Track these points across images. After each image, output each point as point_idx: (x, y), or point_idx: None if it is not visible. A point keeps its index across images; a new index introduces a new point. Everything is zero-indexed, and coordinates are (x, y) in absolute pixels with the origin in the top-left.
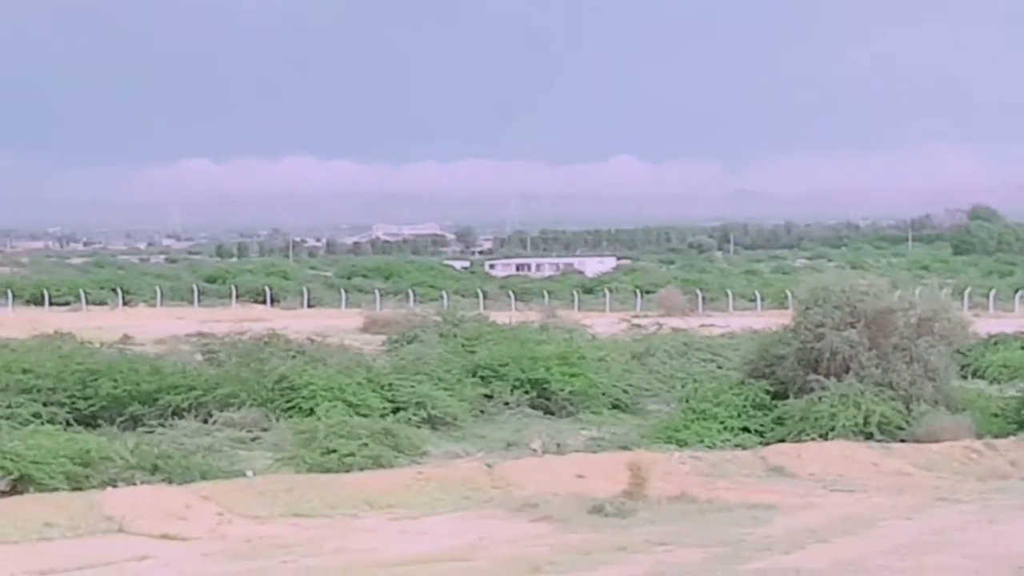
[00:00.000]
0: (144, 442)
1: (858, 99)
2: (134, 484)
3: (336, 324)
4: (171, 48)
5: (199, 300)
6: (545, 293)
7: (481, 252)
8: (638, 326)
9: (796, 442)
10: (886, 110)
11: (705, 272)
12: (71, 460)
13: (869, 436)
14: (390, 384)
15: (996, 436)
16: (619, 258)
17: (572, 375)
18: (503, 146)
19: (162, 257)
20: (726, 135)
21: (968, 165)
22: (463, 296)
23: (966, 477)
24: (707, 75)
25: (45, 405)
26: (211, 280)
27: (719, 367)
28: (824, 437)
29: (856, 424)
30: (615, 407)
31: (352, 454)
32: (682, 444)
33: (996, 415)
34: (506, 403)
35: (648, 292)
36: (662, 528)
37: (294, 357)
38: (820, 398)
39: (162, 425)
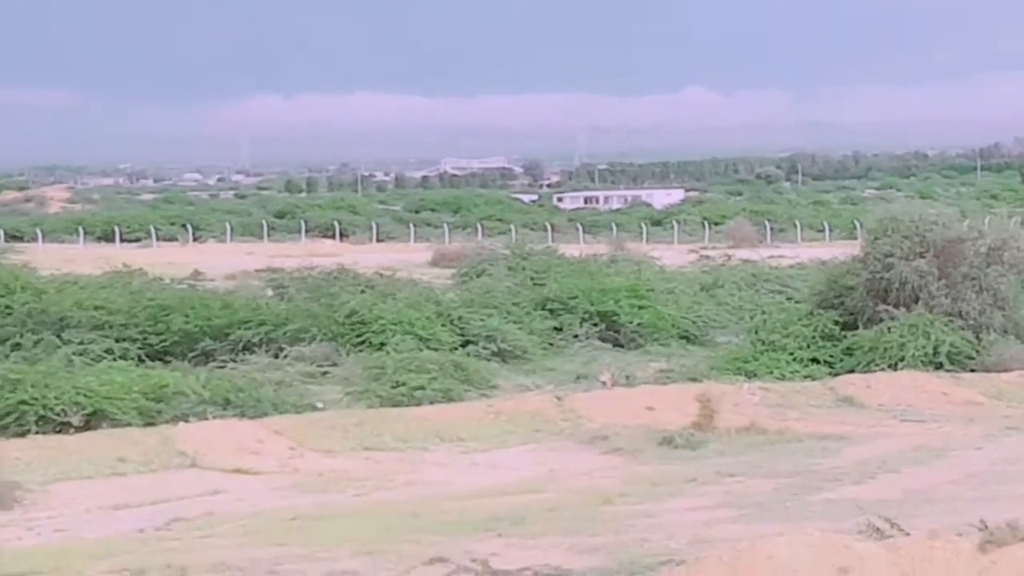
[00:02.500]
0: (216, 377)
1: (926, 28)
2: (206, 419)
3: (405, 258)
4: None
5: (268, 235)
6: (613, 226)
7: (549, 185)
8: (706, 258)
9: (865, 373)
10: (954, 39)
11: (773, 203)
12: (144, 395)
13: (939, 366)
14: (459, 318)
15: None
16: (687, 190)
17: (641, 307)
18: (571, 79)
19: (231, 193)
20: (795, 66)
21: None
22: (531, 229)
23: None
24: (777, 5)
25: (117, 341)
26: (280, 215)
27: (788, 298)
28: (893, 367)
29: (926, 354)
30: (684, 339)
31: (422, 388)
32: (751, 376)
33: None
34: (575, 336)
35: (716, 224)
36: (731, 460)
37: (363, 292)
38: (889, 328)
39: (233, 360)
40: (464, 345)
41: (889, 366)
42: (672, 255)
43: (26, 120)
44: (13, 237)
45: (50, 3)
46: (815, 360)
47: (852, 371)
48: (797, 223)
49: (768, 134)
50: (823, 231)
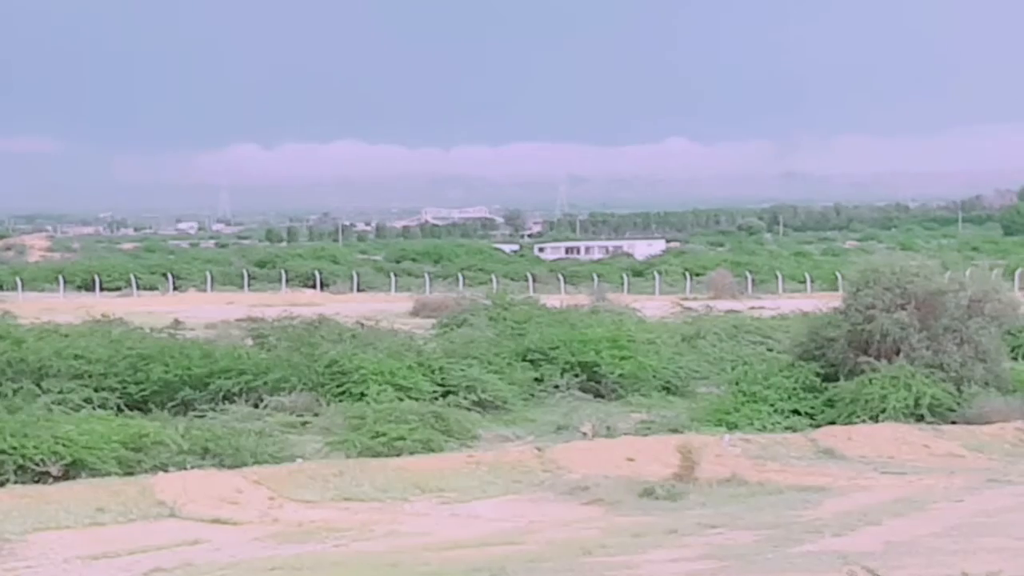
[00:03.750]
0: (195, 426)
1: (907, 81)
2: (185, 468)
3: (386, 308)
4: (220, 34)
5: (249, 285)
6: (595, 276)
7: (530, 235)
8: (688, 309)
9: (847, 424)
10: (935, 91)
11: (755, 254)
12: (123, 445)
13: (920, 418)
14: (440, 368)
15: None
16: (668, 241)
17: (622, 358)
18: (553, 129)
19: (212, 242)
20: (777, 117)
21: (1018, 146)
22: (512, 280)
23: (1017, 459)
24: (760, 56)
25: (96, 390)
26: (261, 265)
27: (769, 349)
28: (875, 419)
29: (907, 406)
30: (665, 390)
31: (402, 438)
32: (732, 427)
33: None
34: (556, 386)
35: (698, 275)
36: (713, 511)
37: (344, 341)
38: (871, 380)
39: (213, 410)
40: (445, 395)
41: (870, 418)
42: (653, 306)
43: (6, 168)
44: None
45: (31, 51)
46: (796, 411)
47: (833, 423)
48: (778, 274)
49: (749, 185)
50: (804, 282)
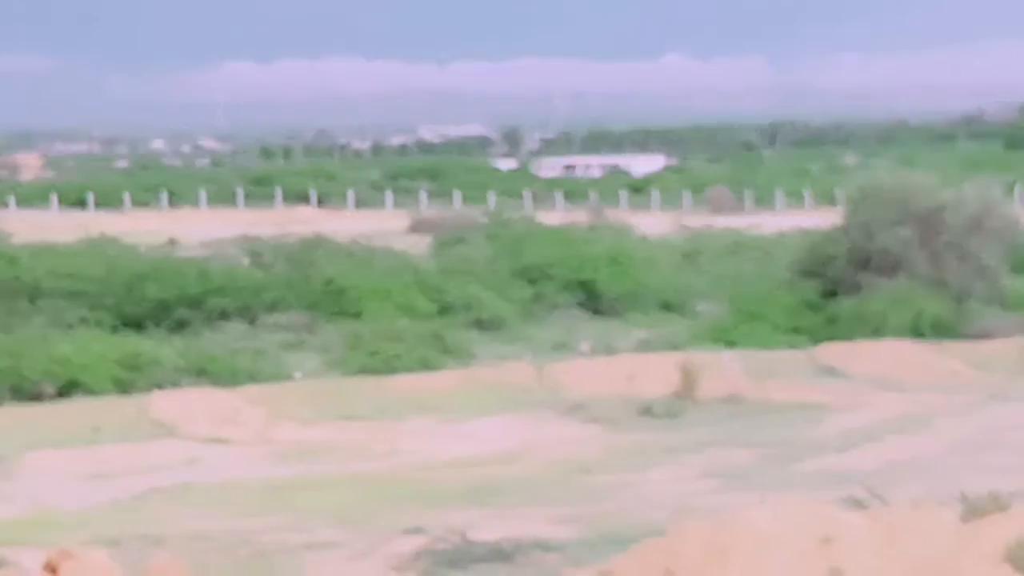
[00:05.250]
0: (191, 346)
1: None
2: (182, 387)
3: (382, 226)
4: None
5: (245, 202)
6: (592, 193)
7: (528, 152)
8: (687, 226)
9: (847, 342)
10: (935, 6)
11: (754, 171)
12: (119, 364)
13: (921, 335)
14: (437, 286)
15: None
16: (667, 157)
17: (621, 276)
18: (550, 44)
19: (207, 160)
20: (775, 31)
21: (1021, 60)
22: (510, 197)
23: (1020, 375)
24: None
25: (91, 309)
26: (257, 182)
27: (769, 267)
28: (876, 337)
29: (908, 323)
30: (664, 308)
31: (399, 356)
32: (732, 345)
33: None
34: (554, 305)
35: (697, 192)
36: (712, 429)
37: (341, 260)
38: (871, 297)
39: (209, 329)
40: (442, 314)
41: (871, 335)
42: (652, 223)
43: (1, 87)
44: None
45: None
46: (796, 329)
47: (833, 340)
48: (777, 191)
49: (748, 100)
50: (804, 199)
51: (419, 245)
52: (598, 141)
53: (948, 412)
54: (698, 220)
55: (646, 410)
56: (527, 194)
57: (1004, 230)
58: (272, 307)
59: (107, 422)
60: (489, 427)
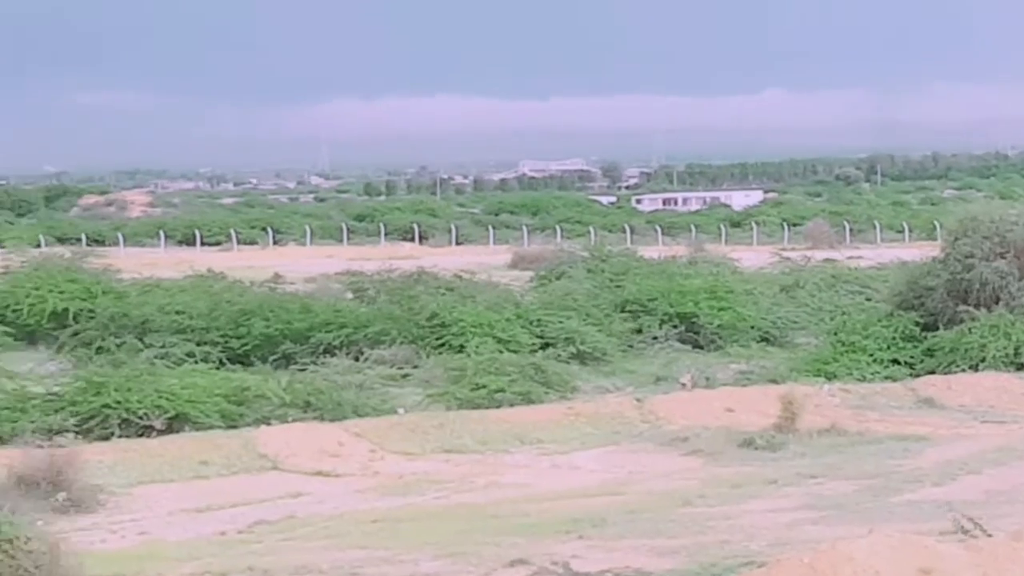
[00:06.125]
0: (297, 380)
1: (1005, 26)
2: (287, 422)
3: (484, 261)
4: None
5: (348, 238)
6: (692, 227)
7: (628, 187)
8: (786, 259)
9: (946, 373)
10: None
11: (852, 204)
12: (225, 398)
13: (1020, 367)
14: (539, 320)
15: None
16: (766, 191)
17: (720, 309)
18: (650, 81)
19: (311, 196)
20: (874, 65)
21: None
22: (610, 231)
23: None
24: (855, 4)
25: (198, 344)
26: (360, 218)
27: (868, 299)
28: (974, 368)
29: (1007, 354)
30: (763, 340)
31: (502, 390)
32: (831, 377)
33: None
34: (654, 337)
35: (795, 225)
36: (812, 461)
37: (443, 294)
38: (970, 329)
39: (314, 363)
40: (543, 347)
41: (970, 367)
42: (751, 256)
43: (107, 123)
44: (95, 241)
45: (130, 6)
46: (895, 361)
47: (933, 372)
48: (876, 224)
49: (847, 135)
50: (902, 232)
51: (520, 279)
52: (697, 175)
53: None
54: (797, 253)
55: (746, 442)
56: (627, 228)
57: None
58: (376, 341)
59: (214, 456)
60: (590, 459)
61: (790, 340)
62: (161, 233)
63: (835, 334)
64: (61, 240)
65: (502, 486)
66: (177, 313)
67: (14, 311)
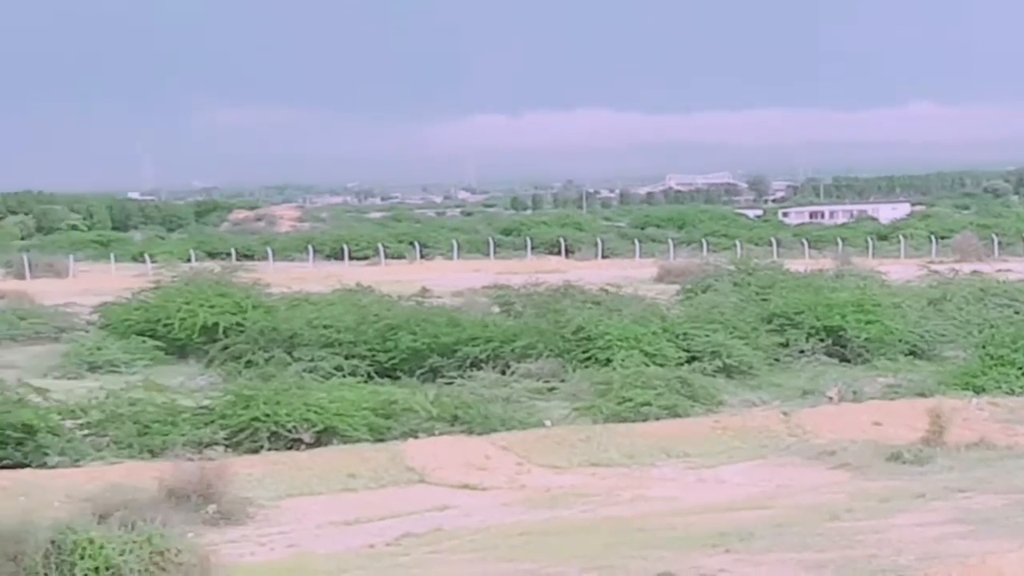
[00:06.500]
0: (444, 393)
1: None
2: (434, 435)
3: (630, 274)
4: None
5: (495, 252)
6: (839, 240)
7: (774, 200)
8: (934, 272)
9: None
10: None
11: (1001, 216)
12: (373, 412)
13: None
14: (685, 333)
15: None
16: (913, 204)
17: (868, 322)
18: (794, 94)
19: (458, 210)
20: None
21: None
22: (756, 245)
23: None
24: (1003, 15)
25: (347, 358)
26: (506, 232)
27: (1016, 312)
28: None
29: None
30: (911, 354)
31: (648, 403)
32: (980, 390)
33: None
34: (801, 351)
35: (943, 238)
36: (961, 475)
37: (590, 308)
38: None
39: (461, 376)
40: (690, 361)
41: None
42: (899, 269)
43: (256, 140)
44: (244, 256)
45: (277, 22)
46: None
47: None
48: None
49: (995, 148)
50: None
51: (666, 293)
52: (844, 188)
53: None
54: (945, 266)
55: (894, 456)
56: (773, 241)
57: None
58: (522, 355)
59: (362, 469)
60: (737, 473)
61: (938, 353)
62: (310, 247)
63: (984, 347)
64: (211, 255)
65: (649, 500)
66: (325, 327)
67: (165, 325)
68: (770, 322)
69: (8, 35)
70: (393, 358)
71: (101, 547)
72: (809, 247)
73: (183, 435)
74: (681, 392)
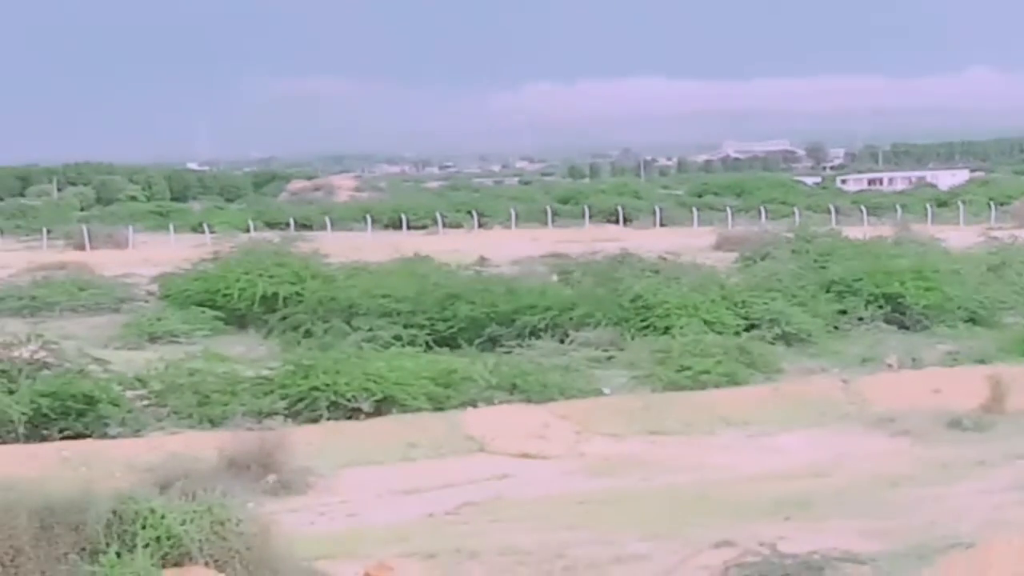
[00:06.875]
0: (503, 362)
1: None
2: (493, 404)
3: (688, 242)
4: None
5: (552, 221)
6: (898, 207)
7: (832, 167)
8: (993, 238)
9: None
10: None
11: None
12: (432, 381)
13: None
14: (744, 301)
15: None
16: (972, 170)
17: (927, 289)
18: (853, 60)
19: (516, 179)
20: None
21: None
22: (814, 212)
23: None
24: None
25: (405, 327)
26: (564, 201)
27: None
28: None
29: None
30: (971, 320)
31: (707, 371)
32: None
33: None
34: (860, 318)
35: (1002, 204)
36: (1021, 442)
37: (648, 276)
38: None
39: (519, 345)
40: (748, 329)
41: None
42: (958, 236)
43: (314, 110)
44: (303, 226)
45: None
46: None
47: None
48: None
49: None
50: None
51: (725, 261)
52: (902, 155)
53: None
54: (1004, 232)
55: (954, 423)
56: (832, 209)
57: None
58: (581, 323)
59: (421, 438)
60: (796, 441)
61: (998, 320)
62: (368, 217)
63: None
64: (270, 225)
65: (708, 468)
66: (384, 296)
67: (224, 296)
68: (829, 290)
69: (64, 8)
70: (452, 327)
71: (162, 517)
72: (867, 214)
73: (243, 405)
74: (740, 360)
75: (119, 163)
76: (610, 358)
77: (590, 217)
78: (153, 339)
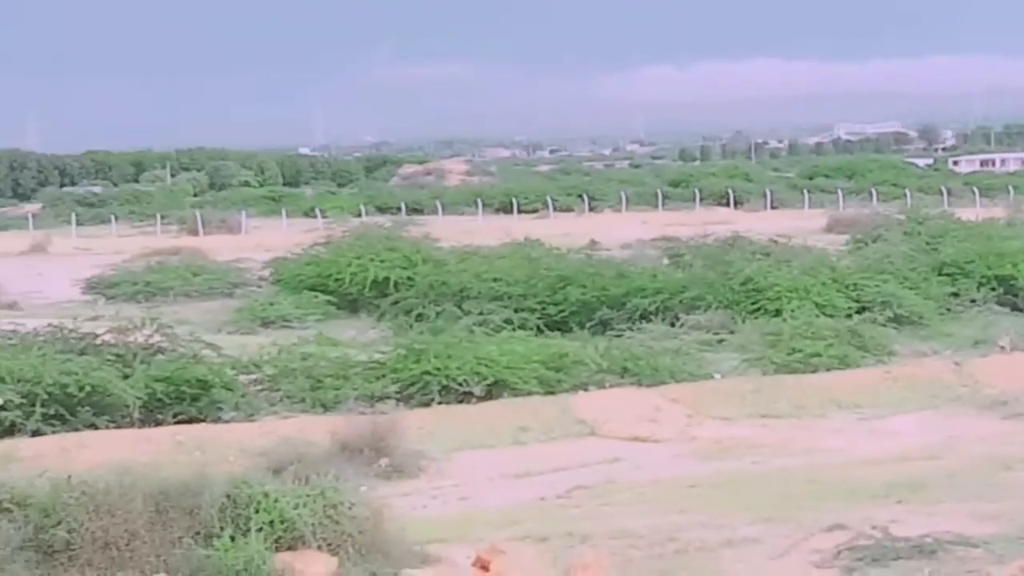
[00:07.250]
0: (613, 346)
1: None
2: (604, 387)
3: (799, 225)
4: None
5: (663, 204)
6: (1010, 188)
7: (944, 149)
8: None
9: None
10: None
11: None
12: (543, 365)
13: None
14: (855, 284)
15: None
16: None
17: None
18: (964, 41)
19: (626, 163)
20: None
21: None
22: (926, 194)
23: None
24: None
25: (516, 311)
26: (675, 184)
27: None
28: None
29: None
30: None
31: (818, 354)
32: None
33: None
34: (972, 300)
35: None
36: None
37: (759, 259)
38: None
39: (630, 329)
40: (860, 311)
41: None
42: None
43: (425, 95)
44: (414, 210)
45: None
46: None
47: None
48: None
49: None
50: None
51: (836, 243)
52: (1015, 136)
53: None
54: None
55: None
56: (944, 190)
57: None
58: (691, 307)
59: (532, 422)
60: (908, 423)
61: None
62: (478, 201)
63: None
64: (381, 209)
65: (819, 451)
66: (495, 280)
67: (336, 280)
68: (940, 272)
69: None
70: (563, 311)
71: (276, 501)
72: (980, 196)
73: (355, 389)
74: (851, 343)
75: (232, 149)
76: (721, 341)
77: (700, 200)
78: (266, 324)
